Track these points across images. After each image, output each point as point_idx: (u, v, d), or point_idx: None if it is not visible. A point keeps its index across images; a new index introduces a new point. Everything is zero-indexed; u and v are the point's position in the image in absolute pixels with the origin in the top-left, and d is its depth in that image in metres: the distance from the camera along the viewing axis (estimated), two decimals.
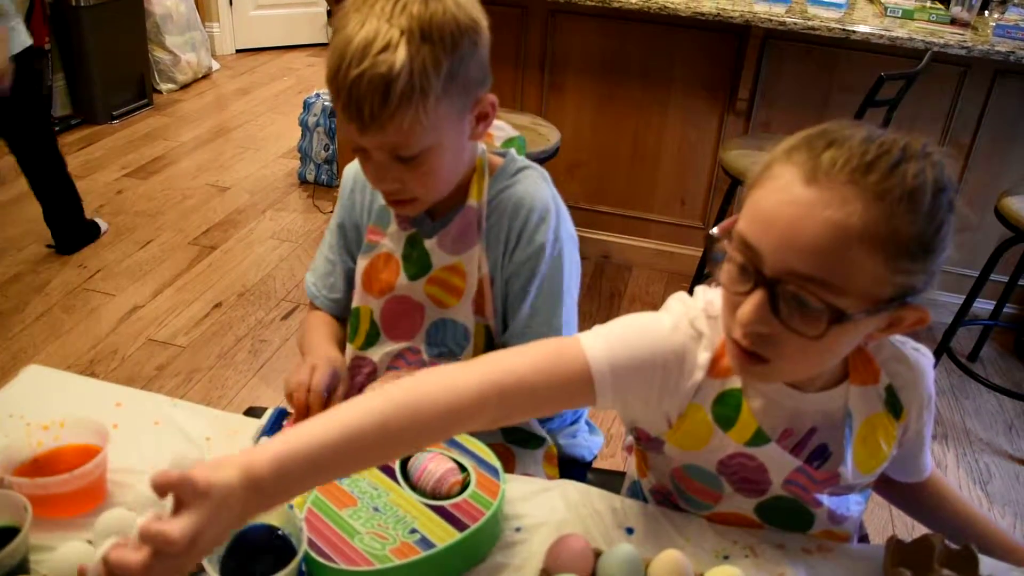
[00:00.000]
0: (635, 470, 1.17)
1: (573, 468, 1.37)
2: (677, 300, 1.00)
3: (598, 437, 1.43)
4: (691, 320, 0.97)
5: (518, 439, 1.29)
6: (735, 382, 0.97)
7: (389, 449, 0.86)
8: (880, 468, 1.02)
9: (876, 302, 0.80)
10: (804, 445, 0.99)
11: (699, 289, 1.02)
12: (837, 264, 0.77)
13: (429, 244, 1.21)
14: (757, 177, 0.85)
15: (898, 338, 1.01)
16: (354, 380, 1.30)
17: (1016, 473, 2.50)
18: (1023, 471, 2.51)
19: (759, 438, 0.97)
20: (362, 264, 1.27)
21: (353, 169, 1.29)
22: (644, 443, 1.06)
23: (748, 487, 1.01)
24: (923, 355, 1.03)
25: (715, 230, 0.87)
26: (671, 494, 1.09)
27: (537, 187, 1.21)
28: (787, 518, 1.04)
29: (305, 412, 1.14)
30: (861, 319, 0.81)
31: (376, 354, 1.29)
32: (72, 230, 3.28)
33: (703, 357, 0.96)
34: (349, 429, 0.79)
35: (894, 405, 1.00)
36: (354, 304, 1.30)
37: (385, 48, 1.00)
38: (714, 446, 0.99)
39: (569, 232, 1.24)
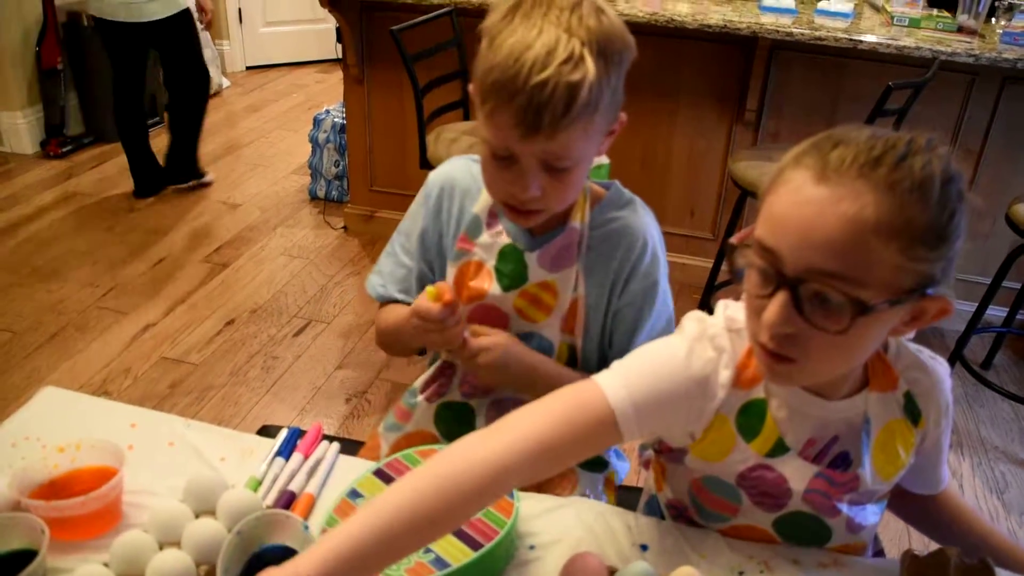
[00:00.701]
0: (652, 484, 1.17)
1: (596, 464, 1.37)
2: (692, 320, 1.00)
3: (624, 463, 1.44)
4: (711, 338, 0.97)
5: (584, 462, 1.29)
6: (759, 392, 0.98)
7: (425, 538, 0.85)
8: (899, 474, 1.03)
9: (897, 292, 0.82)
10: (826, 453, 0.99)
11: (720, 304, 1.02)
12: (855, 257, 0.79)
13: (529, 258, 1.22)
14: (770, 184, 0.86)
15: (915, 347, 1.03)
16: (437, 384, 1.33)
17: None
18: None
19: (779, 448, 0.98)
20: (451, 271, 1.27)
21: (442, 176, 1.28)
22: (665, 455, 1.07)
23: (767, 501, 1.01)
24: (940, 364, 1.04)
25: (734, 239, 0.89)
26: (687, 509, 1.09)
27: (647, 221, 1.23)
28: (805, 533, 1.04)
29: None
30: (884, 310, 0.82)
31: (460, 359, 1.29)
32: (186, 162, 3.97)
33: (724, 375, 0.96)
34: (382, 530, 0.80)
35: (912, 412, 1.01)
36: None
37: (569, 58, 0.99)
38: (735, 458, 0.99)
39: (666, 269, 1.27)
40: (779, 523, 1.03)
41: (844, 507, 1.02)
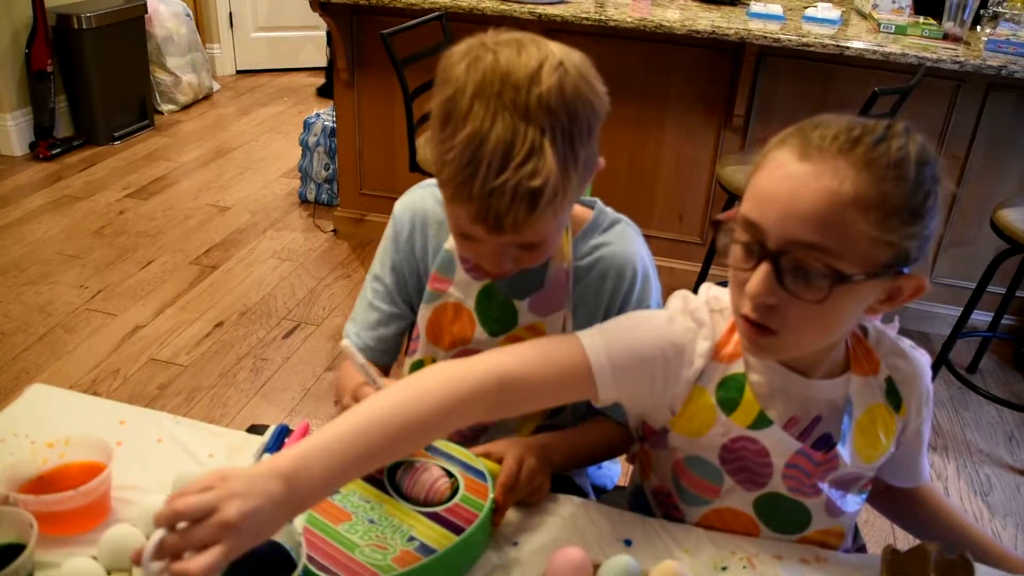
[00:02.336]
0: (639, 475, 1.19)
1: (597, 496, 1.37)
2: (676, 297, 1.05)
3: (618, 466, 1.44)
4: (692, 311, 1.02)
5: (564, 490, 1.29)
6: (738, 367, 1.01)
7: (398, 443, 0.88)
8: (879, 459, 1.05)
9: (874, 265, 0.85)
10: (809, 433, 1.02)
11: (704, 286, 1.06)
12: (834, 229, 0.83)
13: (521, 305, 1.16)
14: (756, 166, 0.91)
15: (896, 336, 1.06)
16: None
17: (1017, 484, 2.50)
18: None
19: (762, 421, 1.00)
20: (425, 313, 1.20)
21: (410, 209, 1.21)
22: (649, 440, 1.09)
23: (748, 478, 1.03)
24: (921, 353, 1.07)
25: (720, 216, 0.93)
26: (670, 494, 1.11)
27: (635, 245, 1.17)
28: (784, 516, 1.05)
29: None
30: (860, 281, 0.85)
31: None
32: None
33: (703, 346, 1.00)
34: (359, 431, 0.84)
35: (894, 397, 1.04)
36: (418, 356, 1.24)
37: (529, 155, 0.90)
38: (717, 431, 1.02)
39: (658, 288, 1.21)
40: (759, 504, 1.05)
41: (824, 487, 1.03)
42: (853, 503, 1.08)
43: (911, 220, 0.85)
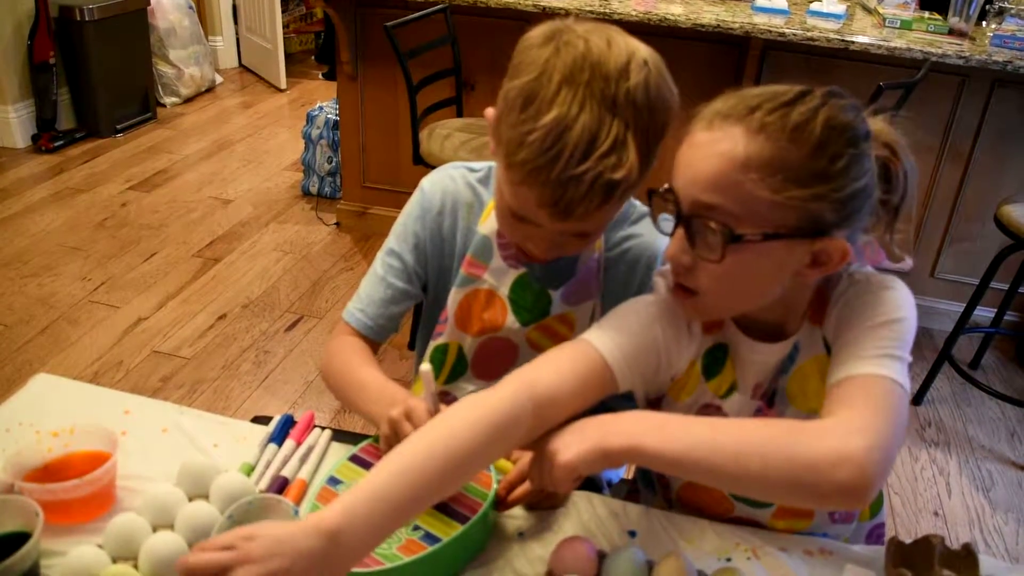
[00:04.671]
0: None
1: (602, 489, 1.36)
2: (658, 274, 1.07)
3: None
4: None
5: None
6: (723, 337, 1.04)
7: (443, 483, 0.85)
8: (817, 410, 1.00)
9: (777, 228, 0.88)
10: (769, 394, 1.03)
11: None
12: (729, 191, 0.87)
13: (555, 295, 1.16)
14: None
15: (870, 273, 1.00)
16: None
17: (1019, 480, 2.50)
18: None
19: (731, 390, 1.03)
20: (456, 298, 1.18)
21: (441, 188, 1.20)
22: (650, 408, 1.10)
23: None
24: (893, 282, 1.00)
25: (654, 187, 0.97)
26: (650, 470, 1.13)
27: (662, 237, 1.17)
28: None
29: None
30: (757, 241, 0.88)
31: (460, 391, 1.24)
32: None
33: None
34: (408, 475, 0.82)
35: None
36: (443, 339, 1.23)
37: (613, 147, 0.91)
38: (694, 398, 1.04)
39: None
40: None
41: None
42: None
43: (812, 182, 0.86)
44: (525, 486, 1.03)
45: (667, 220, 0.95)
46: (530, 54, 0.95)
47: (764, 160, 0.86)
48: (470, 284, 1.18)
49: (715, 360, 1.03)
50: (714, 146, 0.88)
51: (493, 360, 1.21)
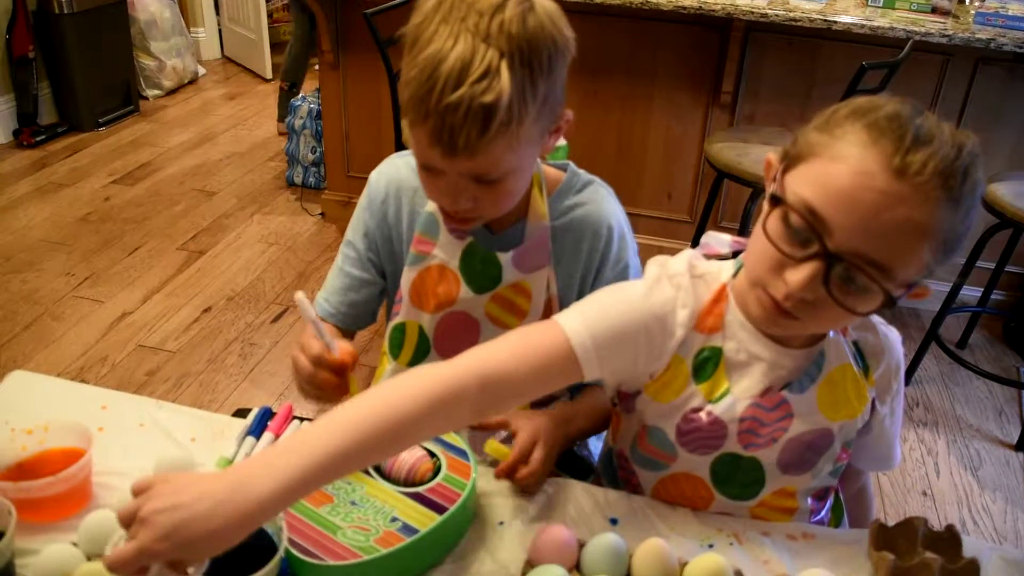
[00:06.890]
0: (610, 439, 1.19)
1: (581, 470, 1.36)
2: (654, 264, 1.02)
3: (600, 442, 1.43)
4: (670, 276, 1.00)
5: (571, 469, 1.29)
6: (717, 340, 0.99)
7: (378, 446, 0.85)
8: (846, 422, 1.02)
9: (911, 285, 0.87)
10: (781, 398, 1.00)
11: (685, 252, 1.04)
12: (903, 255, 0.83)
13: (503, 258, 1.17)
14: (818, 146, 0.86)
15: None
16: None
17: (1006, 458, 2.51)
18: (1013, 456, 2.52)
19: (724, 395, 1.00)
20: (409, 276, 1.21)
21: (385, 176, 1.24)
22: (622, 403, 1.08)
23: (702, 446, 1.02)
24: (891, 331, 1.06)
25: (772, 157, 0.93)
26: (628, 461, 1.11)
27: (610, 204, 1.20)
28: (740, 475, 1.04)
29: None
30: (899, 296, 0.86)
31: None
32: None
33: (682, 314, 0.98)
34: (335, 429, 0.81)
35: (861, 362, 1.02)
36: (399, 319, 1.25)
37: (485, 74, 0.93)
38: (683, 400, 1.01)
39: (635, 246, 1.24)
40: (716, 465, 1.04)
41: (776, 442, 1.02)
42: (815, 480, 1.07)
43: (957, 249, 0.87)
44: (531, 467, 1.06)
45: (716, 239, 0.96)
46: (420, 4, 1.00)
47: (944, 232, 0.83)
48: (421, 261, 1.20)
49: (707, 363, 1.00)
50: (904, 204, 0.80)
51: (455, 337, 1.21)
